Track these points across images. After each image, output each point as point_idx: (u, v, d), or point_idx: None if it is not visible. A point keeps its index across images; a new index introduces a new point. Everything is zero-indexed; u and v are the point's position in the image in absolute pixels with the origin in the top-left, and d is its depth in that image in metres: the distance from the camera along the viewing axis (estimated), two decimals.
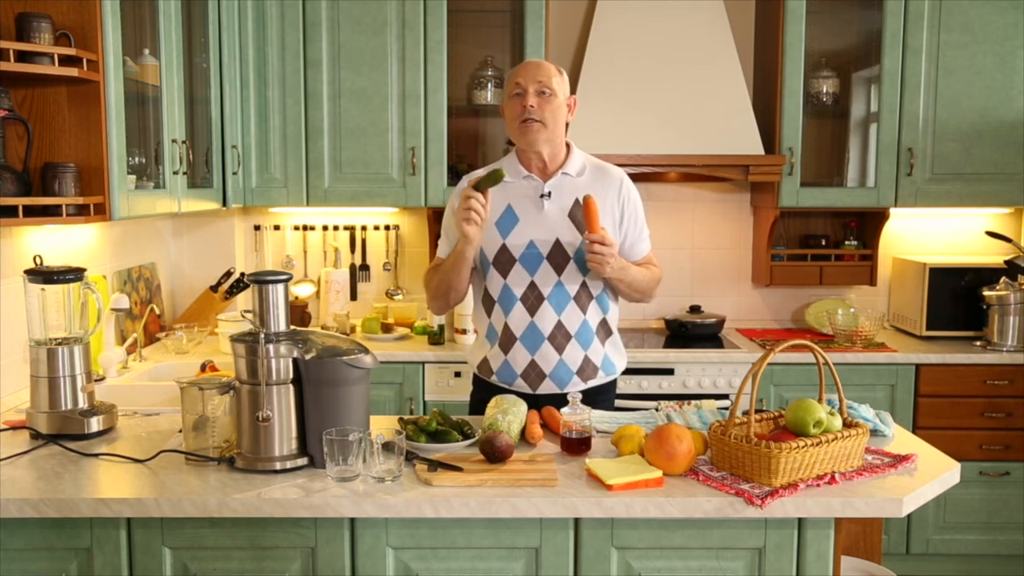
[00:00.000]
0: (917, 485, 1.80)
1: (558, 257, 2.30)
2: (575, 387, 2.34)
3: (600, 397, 2.41)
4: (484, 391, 2.41)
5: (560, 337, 2.32)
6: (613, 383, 2.48)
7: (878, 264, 3.77)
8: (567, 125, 2.37)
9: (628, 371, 3.31)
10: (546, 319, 2.31)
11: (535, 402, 2.27)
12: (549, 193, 2.33)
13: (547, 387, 2.34)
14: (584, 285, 2.33)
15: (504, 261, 2.31)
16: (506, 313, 2.33)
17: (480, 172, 2.38)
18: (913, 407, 3.38)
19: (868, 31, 3.66)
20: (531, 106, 2.25)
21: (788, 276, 3.76)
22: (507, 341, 2.34)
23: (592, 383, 2.38)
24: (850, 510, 1.73)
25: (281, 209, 3.77)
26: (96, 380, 2.53)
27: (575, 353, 2.34)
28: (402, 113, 3.49)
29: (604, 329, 2.40)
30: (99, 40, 2.35)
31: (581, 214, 2.30)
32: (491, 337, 2.39)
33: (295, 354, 1.86)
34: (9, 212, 2.19)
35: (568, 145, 2.40)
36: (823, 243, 3.84)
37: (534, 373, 2.34)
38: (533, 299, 2.31)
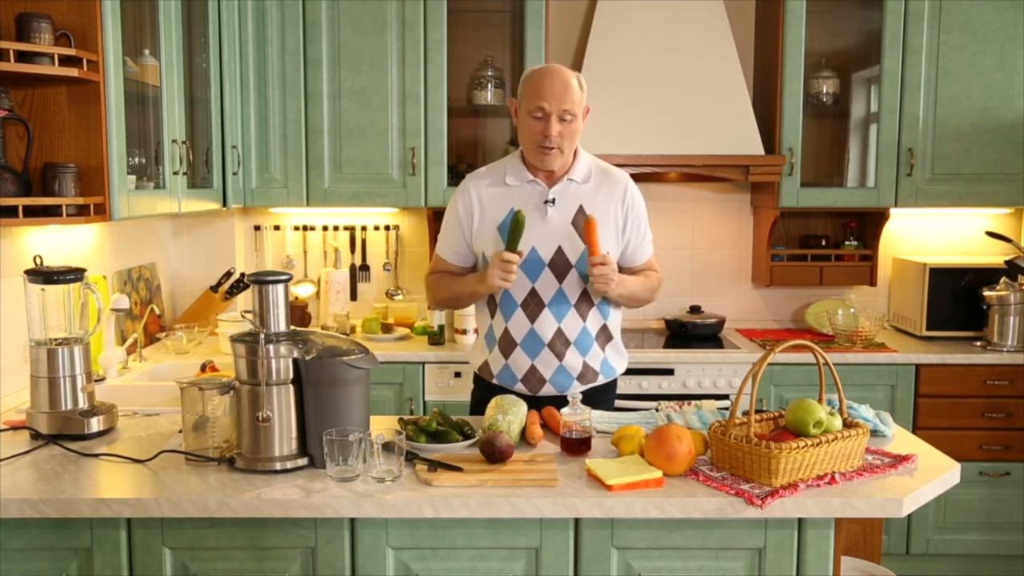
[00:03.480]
0: (917, 485, 1.80)
1: (560, 265, 2.29)
2: (576, 390, 2.34)
3: (601, 397, 2.41)
4: (485, 391, 2.41)
5: (560, 344, 2.31)
6: (614, 383, 2.48)
7: (878, 264, 3.77)
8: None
9: (628, 371, 3.29)
10: (546, 326, 2.30)
11: (536, 403, 2.27)
12: (553, 200, 2.30)
13: (547, 391, 2.35)
14: (585, 293, 2.32)
15: None
16: (506, 318, 2.33)
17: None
18: (913, 407, 3.38)
19: (868, 31, 3.66)
20: (555, 135, 2.22)
21: (788, 276, 3.76)
22: (507, 346, 2.34)
23: (592, 385, 2.38)
24: (850, 510, 1.73)
25: (281, 209, 3.77)
26: (96, 380, 2.53)
27: (574, 359, 2.33)
28: (402, 113, 3.49)
29: (604, 334, 2.39)
30: (99, 40, 2.35)
31: (584, 223, 2.29)
32: (490, 340, 2.38)
33: (295, 354, 1.86)
34: (9, 212, 2.19)
35: (576, 149, 2.35)
36: (823, 243, 3.84)
37: (534, 378, 2.34)
38: (533, 306, 2.30)
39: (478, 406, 2.44)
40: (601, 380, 2.40)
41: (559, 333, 2.31)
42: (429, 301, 2.47)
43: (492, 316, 2.36)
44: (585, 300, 2.32)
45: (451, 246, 2.39)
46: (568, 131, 2.24)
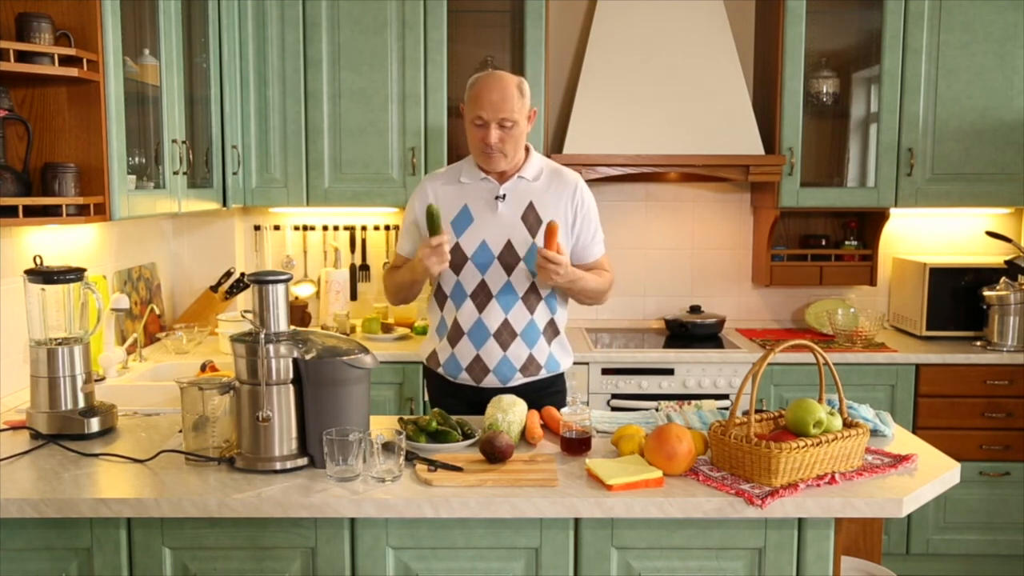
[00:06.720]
0: (917, 485, 1.80)
1: (508, 258, 2.36)
2: (517, 382, 2.41)
3: (549, 391, 2.47)
4: (432, 381, 2.53)
5: (506, 334, 2.39)
6: (561, 378, 2.54)
7: (878, 264, 3.77)
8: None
9: (628, 371, 3.33)
10: (493, 316, 2.38)
11: (479, 395, 2.33)
12: (504, 195, 2.39)
13: (490, 381, 2.41)
14: (533, 286, 2.40)
15: (457, 259, 2.37)
16: (456, 308, 2.41)
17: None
18: (913, 407, 3.38)
19: (868, 31, 3.66)
20: (495, 142, 2.31)
21: (788, 276, 3.76)
22: (455, 335, 2.41)
23: (534, 378, 2.44)
24: (850, 510, 1.73)
25: (281, 209, 3.77)
26: (96, 380, 2.53)
27: (519, 351, 2.40)
28: (402, 113, 3.49)
29: (551, 329, 2.46)
30: (99, 40, 2.35)
31: (534, 217, 2.38)
32: (441, 331, 2.46)
33: (295, 354, 1.86)
34: (9, 212, 2.19)
35: (527, 149, 2.45)
36: (823, 243, 3.84)
37: (478, 367, 2.40)
38: (483, 297, 2.38)
39: (435, 400, 2.53)
40: (544, 374, 2.46)
41: (506, 324, 2.38)
42: (388, 297, 2.57)
43: (442, 308, 2.45)
44: (533, 293, 2.40)
45: (410, 242, 2.49)
46: (509, 136, 2.32)
